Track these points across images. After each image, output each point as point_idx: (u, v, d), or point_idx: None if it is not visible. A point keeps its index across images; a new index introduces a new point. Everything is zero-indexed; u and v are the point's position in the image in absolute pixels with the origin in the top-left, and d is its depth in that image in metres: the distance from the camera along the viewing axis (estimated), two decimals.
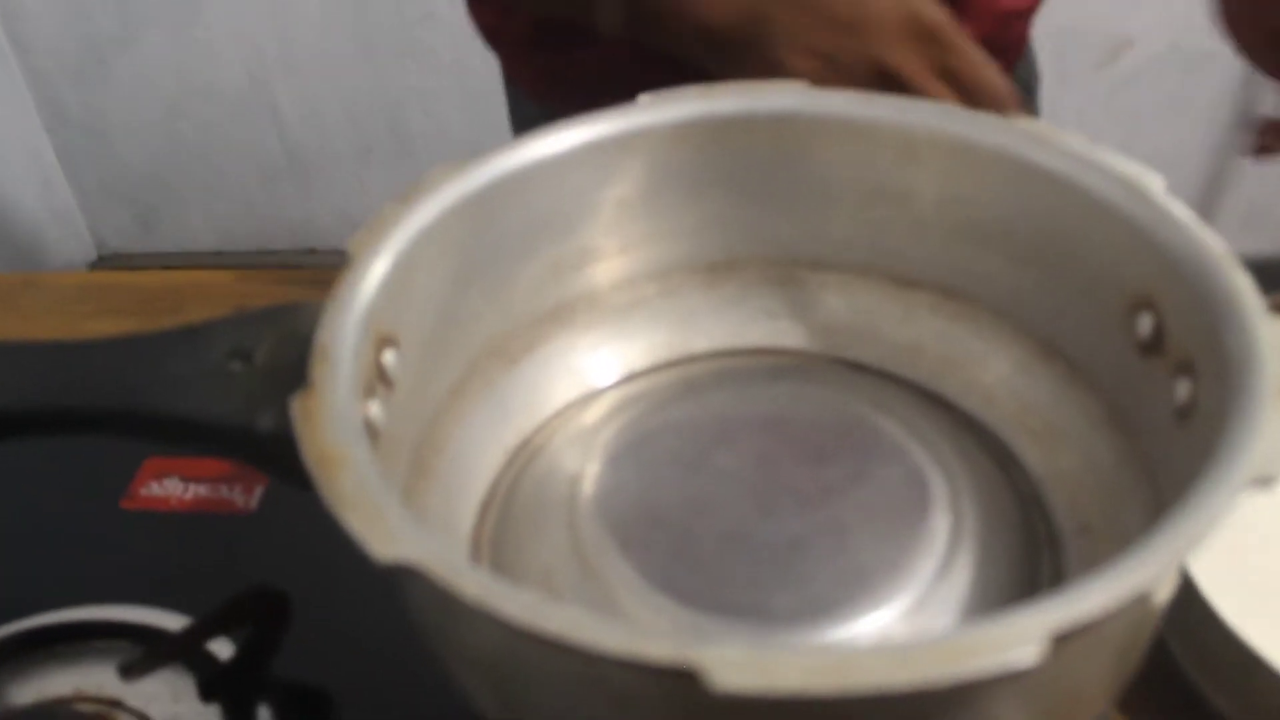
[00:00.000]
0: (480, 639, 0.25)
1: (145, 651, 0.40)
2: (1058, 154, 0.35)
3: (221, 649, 0.41)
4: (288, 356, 0.33)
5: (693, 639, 0.21)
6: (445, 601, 0.23)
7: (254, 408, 0.31)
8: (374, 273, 0.33)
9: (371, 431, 0.31)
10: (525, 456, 0.39)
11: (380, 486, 0.25)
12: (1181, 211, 0.32)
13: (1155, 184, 0.33)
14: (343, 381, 0.29)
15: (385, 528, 0.24)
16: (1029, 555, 0.35)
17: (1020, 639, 0.21)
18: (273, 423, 0.31)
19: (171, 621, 0.42)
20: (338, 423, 0.27)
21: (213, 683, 0.38)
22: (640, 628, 0.21)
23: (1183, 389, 0.31)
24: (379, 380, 0.33)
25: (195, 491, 0.50)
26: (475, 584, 0.22)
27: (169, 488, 0.50)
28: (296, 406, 0.28)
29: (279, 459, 0.30)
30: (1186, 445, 0.30)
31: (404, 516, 0.24)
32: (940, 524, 0.34)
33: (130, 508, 0.50)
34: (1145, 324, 0.33)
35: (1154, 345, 0.33)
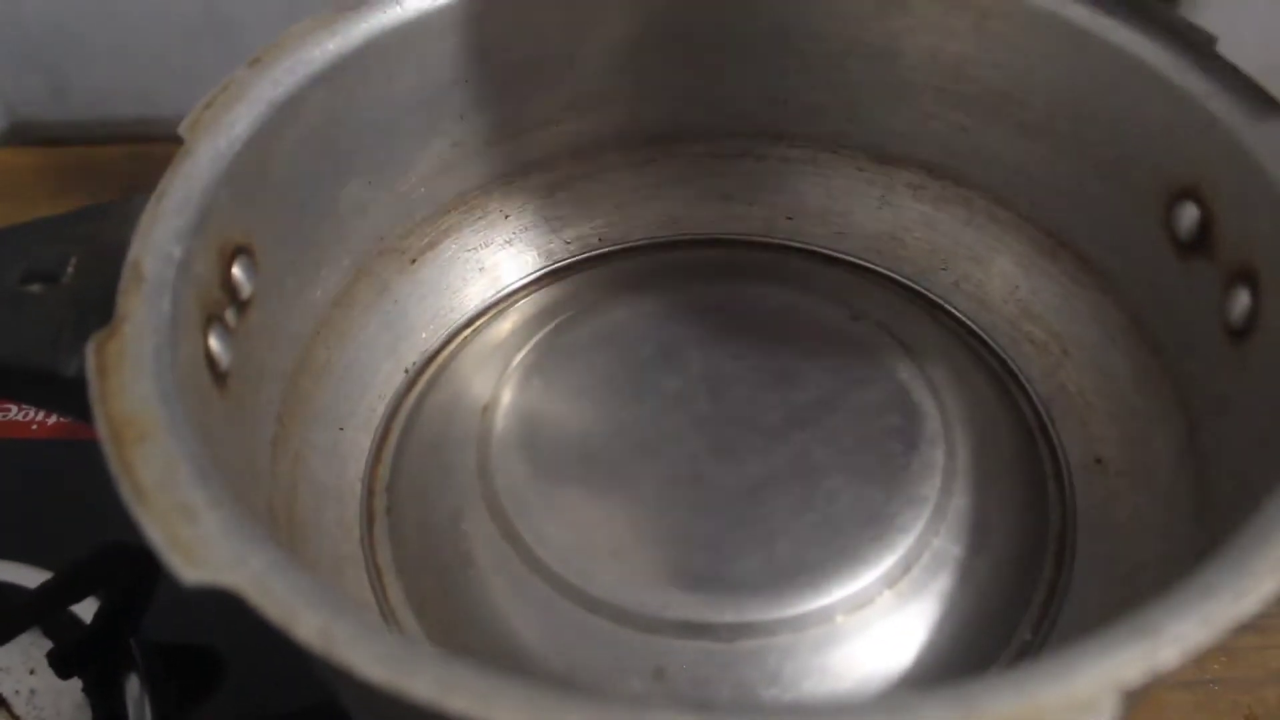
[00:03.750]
0: (348, 685, 0.19)
1: None
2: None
3: (85, 609, 0.35)
4: (109, 273, 0.26)
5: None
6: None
7: (59, 344, 0.24)
8: (215, 162, 0.26)
9: (216, 373, 0.24)
10: (428, 378, 0.32)
11: (194, 472, 0.19)
12: (1243, 79, 0.25)
13: (1209, 41, 0.26)
14: (162, 314, 0.22)
15: (192, 535, 0.17)
16: (1034, 495, 0.29)
17: (1086, 697, 0.15)
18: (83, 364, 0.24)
19: (26, 576, 0.36)
20: (145, 378, 0.20)
21: (69, 657, 0.32)
22: (572, 699, 0.15)
23: (1240, 302, 0.25)
24: (228, 300, 0.26)
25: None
26: (314, 625, 0.16)
27: (29, 410, 0.43)
28: (92, 353, 0.21)
29: None
30: (1243, 372, 0.24)
31: (224, 516, 0.18)
32: (931, 460, 0.28)
33: None
34: (1187, 217, 0.27)
35: (1197, 244, 0.26)
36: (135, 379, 0.20)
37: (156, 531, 0.17)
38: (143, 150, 0.66)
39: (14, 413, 0.43)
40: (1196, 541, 0.25)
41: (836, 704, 0.24)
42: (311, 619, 0.16)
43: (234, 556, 0.17)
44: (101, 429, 0.19)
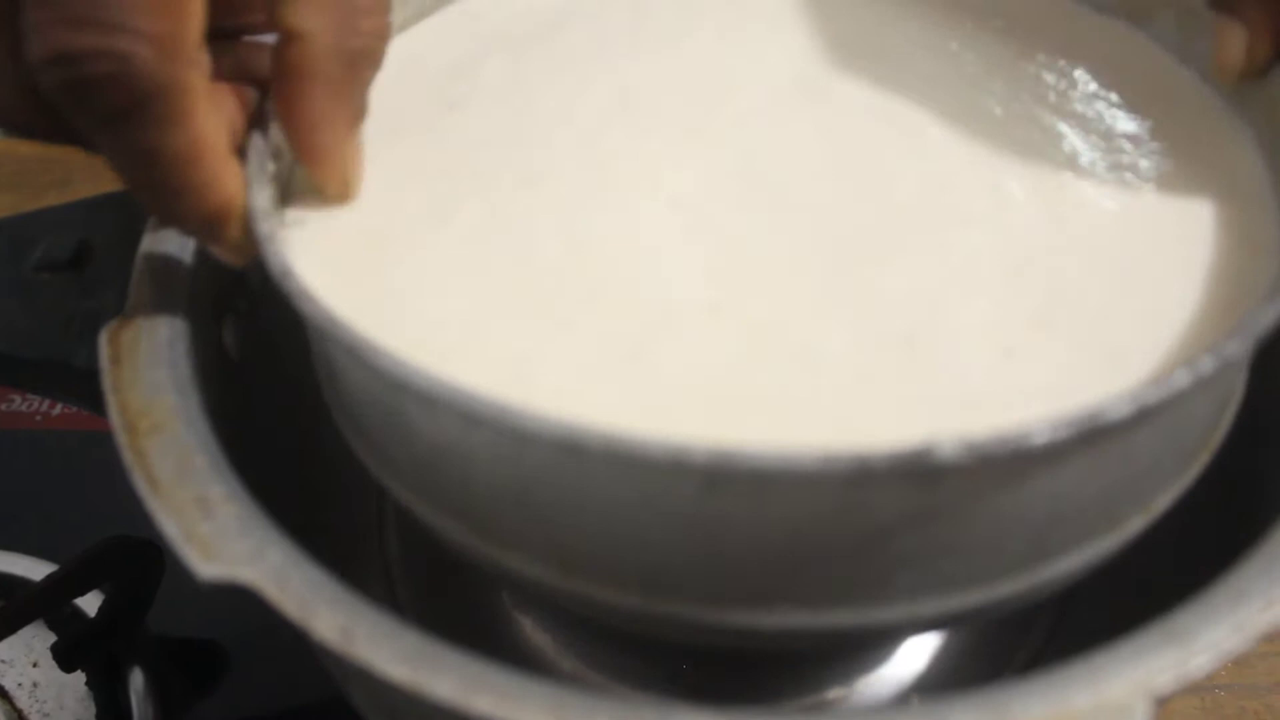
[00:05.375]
0: (364, 683, 0.19)
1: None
2: None
3: (88, 602, 0.34)
4: (121, 263, 0.25)
5: None
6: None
7: (70, 332, 0.24)
8: None
9: (229, 364, 0.24)
10: None
11: (210, 464, 0.18)
12: None
13: None
14: (176, 304, 0.22)
15: (209, 529, 0.17)
16: None
17: (1117, 702, 0.15)
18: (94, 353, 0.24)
19: (31, 569, 0.36)
20: (159, 367, 0.20)
21: (73, 650, 0.32)
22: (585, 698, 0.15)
23: None
24: (241, 291, 0.25)
25: (66, 406, 0.42)
26: (334, 622, 0.16)
27: (34, 401, 0.43)
28: (105, 342, 0.20)
29: None
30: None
31: (240, 510, 0.17)
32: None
33: None
34: None
35: None
36: (149, 368, 0.20)
37: (172, 525, 0.17)
38: None
39: (18, 403, 0.43)
40: (1213, 555, 0.25)
41: (867, 707, 0.24)
42: (331, 616, 0.16)
43: (251, 551, 0.17)
44: (114, 419, 0.19)
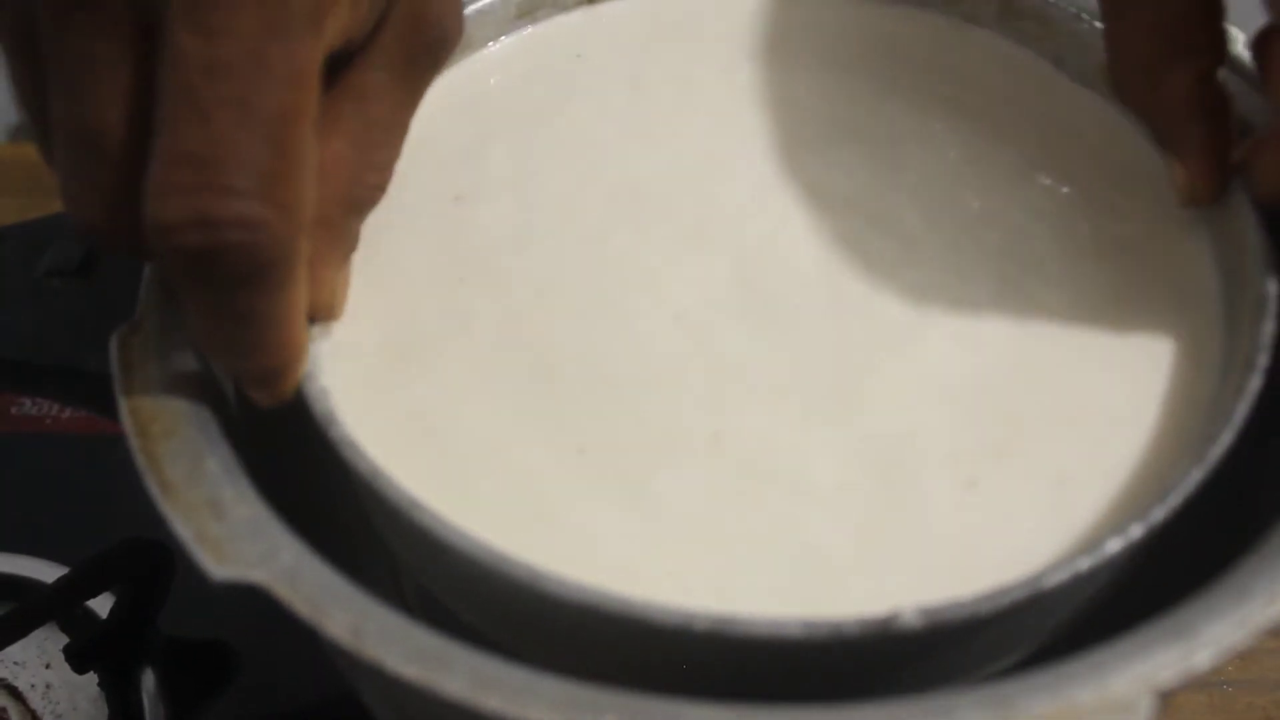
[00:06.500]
0: (376, 681, 0.19)
1: (11, 610, 0.33)
2: None
3: (100, 604, 0.35)
4: (132, 267, 0.26)
5: None
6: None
7: (81, 338, 0.24)
8: None
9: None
10: None
11: (221, 467, 0.18)
12: None
13: None
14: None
15: (221, 531, 0.17)
16: None
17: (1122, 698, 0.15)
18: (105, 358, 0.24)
19: (43, 572, 0.36)
20: (170, 372, 0.20)
21: (86, 651, 0.32)
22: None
23: None
24: None
25: (76, 409, 0.43)
26: (344, 621, 0.16)
27: (44, 404, 0.43)
28: (116, 347, 0.21)
29: None
30: None
31: (251, 512, 0.18)
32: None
33: None
34: None
35: None
36: (160, 373, 0.20)
37: (184, 527, 0.17)
38: None
39: (28, 406, 0.43)
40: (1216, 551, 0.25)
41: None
42: (341, 616, 0.16)
43: (262, 552, 0.17)
44: (126, 424, 0.19)
